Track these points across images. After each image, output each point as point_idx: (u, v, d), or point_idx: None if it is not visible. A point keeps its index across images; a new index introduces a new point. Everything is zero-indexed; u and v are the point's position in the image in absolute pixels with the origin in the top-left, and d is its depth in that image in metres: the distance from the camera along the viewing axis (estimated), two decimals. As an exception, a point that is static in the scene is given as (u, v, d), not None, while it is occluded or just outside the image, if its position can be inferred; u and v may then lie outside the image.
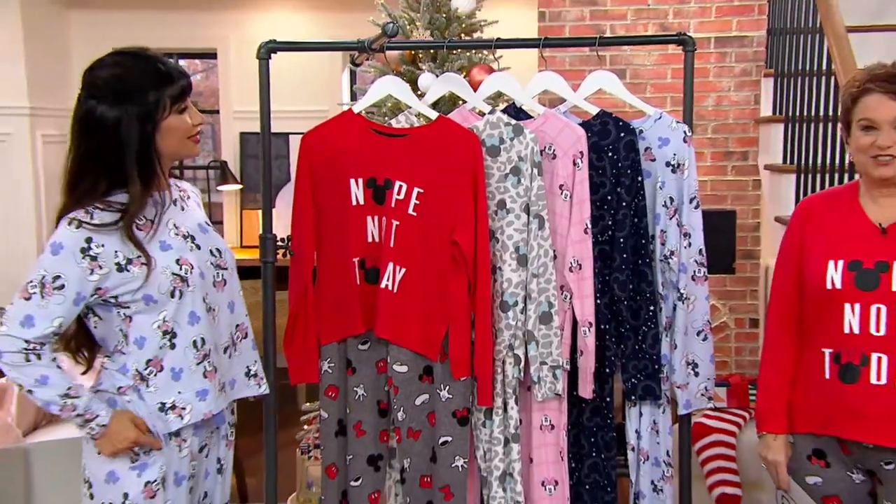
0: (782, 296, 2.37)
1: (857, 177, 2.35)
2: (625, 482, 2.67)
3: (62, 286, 1.96)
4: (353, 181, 2.50)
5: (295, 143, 5.86)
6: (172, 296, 2.07)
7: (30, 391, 1.98)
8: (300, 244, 2.54)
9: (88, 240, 1.99)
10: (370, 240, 2.52)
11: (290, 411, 4.43)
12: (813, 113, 3.79)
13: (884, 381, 2.11)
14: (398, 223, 2.48)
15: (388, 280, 2.49)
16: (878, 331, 2.12)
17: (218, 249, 2.24)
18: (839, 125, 2.33)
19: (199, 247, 2.17)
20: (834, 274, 2.18)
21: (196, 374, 2.12)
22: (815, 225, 2.30)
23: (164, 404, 2.08)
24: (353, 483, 2.59)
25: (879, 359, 2.12)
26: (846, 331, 2.16)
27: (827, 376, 2.20)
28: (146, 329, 2.07)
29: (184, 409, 2.09)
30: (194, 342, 2.12)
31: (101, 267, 2.00)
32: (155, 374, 2.08)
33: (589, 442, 2.60)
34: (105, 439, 2.04)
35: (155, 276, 2.04)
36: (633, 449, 2.62)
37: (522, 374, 2.49)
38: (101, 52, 2.20)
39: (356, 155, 2.50)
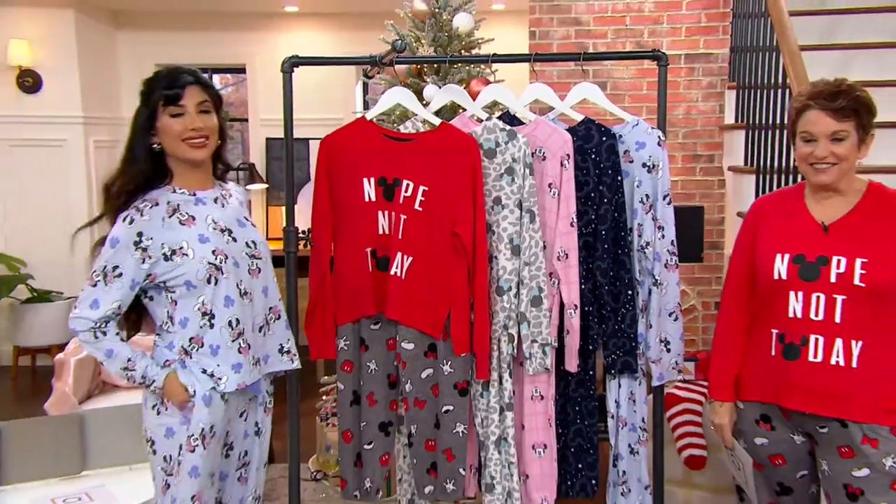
0: (735, 282, 2.38)
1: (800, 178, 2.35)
2: (605, 446, 2.66)
3: (120, 274, 2.05)
4: (365, 180, 2.49)
5: (314, 147, 5.85)
6: (209, 282, 2.10)
7: (102, 363, 2.10)
8: (319, 236, 2.53)
9: (140, 234, 2.06)
10: (381, 232, 2.50)
11: (310, 384, 4.42)
12: (770, 121, 3.77)
13: (819, 358, 2.13)
14: (406, 217, 2.47)
15: (396, 268, 2.48)
16: (816, 316, 2.13)
17: (253, 241, 2.25)
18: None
19: (235, 239, 2.18)
20: (781, 266, 2.18)
21: (231, 350, 2.13)
22: (765, 222, 2.29)
23: (205, 370, 2.11)
24: (366, 446, 2.58)
25: (816, 340, 2.13)
26: (790, 315, 2.17)
27: (773, 353, 2.22)
28: (188, 311, 2.11)
29: (220, 378, 2.11)
30: (229, 322, 2.13)
31: (150, 257, 2.06)
32: (197, 350, 2.12)
33: (574, 410, 2.60)
34: (167, 395, 2.10)
35: (191, 263, 2.08)
36: (612, 416, 2.61)
37: (516, 350, 2.48)
38: (145, 68, 2.22)
39: (369, 156, 2.49)
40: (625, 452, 2.62)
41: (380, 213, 2.50)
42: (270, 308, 2.30)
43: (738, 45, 4.56)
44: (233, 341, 2.14)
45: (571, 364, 2.50)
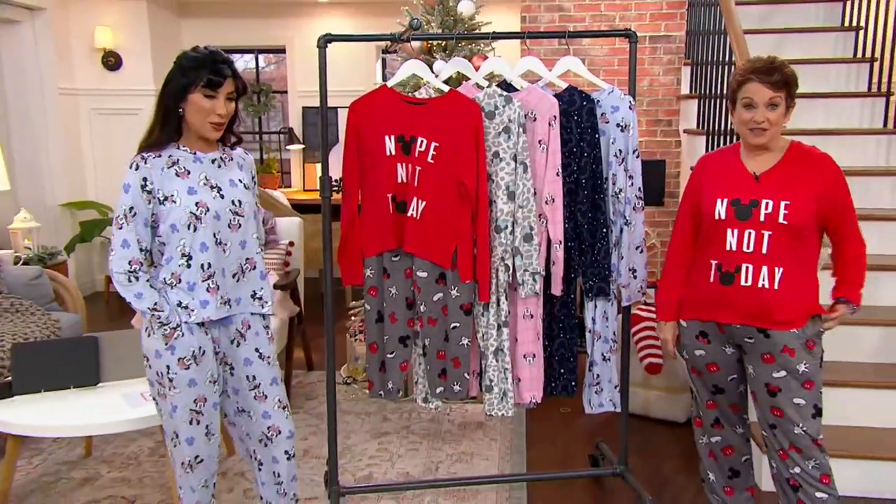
0: (681, 223, 2.33)
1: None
2: (583, 357, 2.62)
3: (135, 214, 1.98)
4: (387, 137, 2.40)
5: (342, 114, 5.73)
6: (189, 228, 2.00)
7: (130, 302, 2.01)
8: (348, 184, 2.45)
9: (145, 179, 1.98)
10: (400, 181, 2.42)
11: (340, 308, 4.42)
12: (718, 92, 3.68)
13: (749, 283, 2.12)
14: (420, 168, 2.39)
15: (413, 210, 2.41)
16: (748, 248, 2.12)
17: (239, 201, 2.10)
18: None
19: (222, 196, 2.06)
20: (720, 208, 2.15)
21: (202, 288, 2.04)
22: (708, 174, 2.25)
23: (181, 302, 2.03)
24: (388, 356, 2.54)
25: (747, 268, 2.12)
26: (727, 248, 2.15)
27: (712, 280, 2.19)
28: (172, 251, 2.02)
29: (192, 310, 2.03)
30: (202, 265, 2.03)
31: (153, 199, 1.99)
32: (176, 285, 2.03)
33: (558, 327, 2.55)
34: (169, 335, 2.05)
35: (177, 210, 1.99)
36: (589, 331, 2.57)
37: (511, 278, 2.43)
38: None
39: (389, 118, 2.39)
40: (599, 360, 2.59)
41: (399, 164, 2.41)
42: (247, 259, 2.15)
43: (693, 29, 4.46)
44: (203, 281, 2.04)
45: (556, 289, 2.45)
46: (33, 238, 4.63)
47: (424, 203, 2.39)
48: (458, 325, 2.44)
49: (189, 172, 2.03)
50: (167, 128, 2.03)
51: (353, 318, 4.01)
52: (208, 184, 2.05)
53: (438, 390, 2.54)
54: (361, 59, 6.45)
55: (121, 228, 1.98)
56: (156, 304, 2.00)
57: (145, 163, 1.99)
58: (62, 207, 5.77)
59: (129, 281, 1.98)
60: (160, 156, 2.02)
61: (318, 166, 6.47)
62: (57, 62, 5.68)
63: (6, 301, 3.77)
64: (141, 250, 1.99)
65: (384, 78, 6.71)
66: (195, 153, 2.07)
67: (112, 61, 5.98)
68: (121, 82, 6.00)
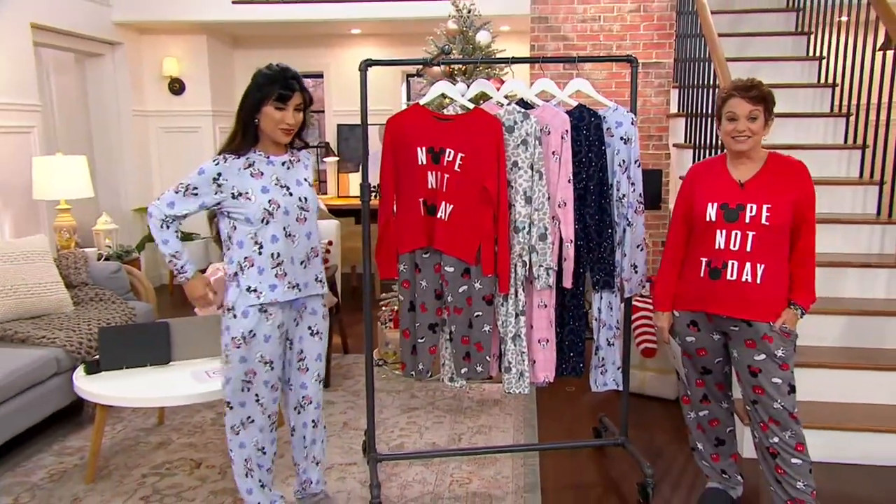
0: (676, 226, 2.28)
1: (722, 151, 2.26)
2: (589, 343, 2.57)
3: (196, 195, 1.97)
4: (419, 149, 2.36)
5: (372, 130, 5.72)
6: (262, 221, 1.99)
7: (157, 246, 2.01)
8: (385, 190, 2.41)
9: (219, 174, 1.97)
10: (430, 187, 2.38)
11: (371, 299, 4.39)
12: (702, 111, 3.63)
13: (734, 277, 2.10)
14: (448, 176, 2.34)
15: (441, 213, 2.36)
16: (734, 247, 2.09)
17: (305, 198, 2.08)
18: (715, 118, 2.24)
19: (291, 194, 2.05)
20: (711, 211, 2.12)
21: (271, 273, 2.02)
22: (698, 181, 2.21)
23: (250, 286, 2.01)
24: (419, 341, 2.50)
25: (733, 264, 2.09)
26: (716, 247, 2.12)
27: (702, 275, 2.16)
28: (243, 237, 2.00)
29: (261, 293, 2.01)
30: (272, 254, 2.01)
31: (222, 192, 1.98)
32: (249, 267, 2.01)
33: (568, 315, 2.50)
34: (187, 288, 2.06)
35: (253, 206, 1.98)
36: (596, 319, 2.51)
37: (527, 272, 2.38)
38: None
39: (421, 131, 2.35)
40: (603, 344, 2.53)
41: (429, 173, 2.37)
42: (311, 248, 2.14)
43: (680, 57, 4.40)
44: (272, 268, 2.02)
45: (567, 282, 2.40)
46: (113, 238, 4.65)
47: (452, 206, 2.35)
48: (480, 313, 2.40)
49: (263, 174, 2.02)
50: (247, 136, 2.02)
51: (383, 308, 3.97)
52: (279, 183, 2.04)
53: (463, 371, 2.49)
54: (388, 83, 6.43)
55: (177, 193, 1.97)
56: (176, 252, 1.99)
57: (225, 161, 1.99)
58: (134, 212, 5.79)
59: (162, 227, 1.98)
60: (239, 157, 2.01)
61: (351, 176, 6.45)
62: (131, 88, 5.72)
63: (92, 291, 3.79)
64: (181, 217, 1.99)
65: (409, 98, 6.68)
66: (269, 157, 2.06)
67: (177, 87, 5.99)
68: (184, 105, 6.01)
